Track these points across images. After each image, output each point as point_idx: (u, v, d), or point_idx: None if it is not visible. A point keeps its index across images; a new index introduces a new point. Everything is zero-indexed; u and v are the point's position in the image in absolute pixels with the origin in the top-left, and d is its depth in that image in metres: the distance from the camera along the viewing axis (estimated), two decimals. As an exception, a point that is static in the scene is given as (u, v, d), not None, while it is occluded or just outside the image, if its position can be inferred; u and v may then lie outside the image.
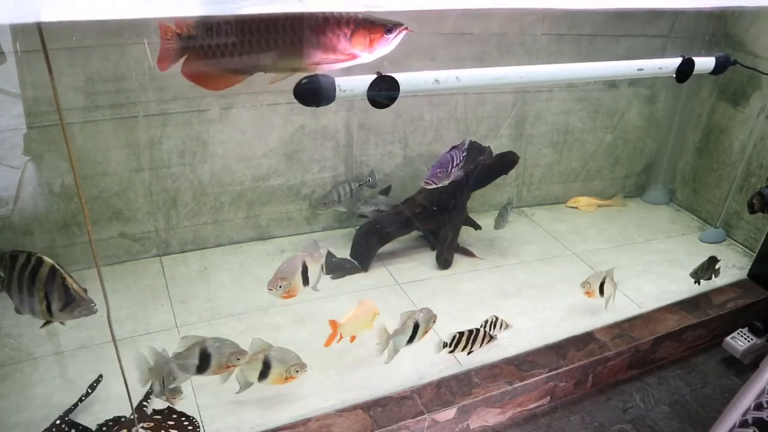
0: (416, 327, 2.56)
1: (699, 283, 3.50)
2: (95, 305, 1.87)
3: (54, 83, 1.68)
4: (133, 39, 2.89)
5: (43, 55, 1.53)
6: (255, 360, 2.35)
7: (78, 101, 2.96)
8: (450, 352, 2.70)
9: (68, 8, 1.67)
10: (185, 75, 1.80)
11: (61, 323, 2.08)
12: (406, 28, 1.88)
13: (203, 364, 2.22)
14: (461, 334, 2.68)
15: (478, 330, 2.72)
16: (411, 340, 2.58)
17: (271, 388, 2.60)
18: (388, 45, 1.88)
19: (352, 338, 2.72)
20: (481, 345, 2.75)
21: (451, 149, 3.11)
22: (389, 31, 1.86)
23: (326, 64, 1.85)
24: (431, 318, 2.61)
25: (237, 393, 2.40)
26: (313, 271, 2.42)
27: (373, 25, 1.83)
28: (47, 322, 1.99)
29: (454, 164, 3.05)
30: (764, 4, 3.48)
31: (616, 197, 4.48)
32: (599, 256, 3.90)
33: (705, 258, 3.51)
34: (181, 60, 1.78)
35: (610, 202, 4.46)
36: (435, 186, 3.02)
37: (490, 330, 2.80)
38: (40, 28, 1.52)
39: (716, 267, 3.52)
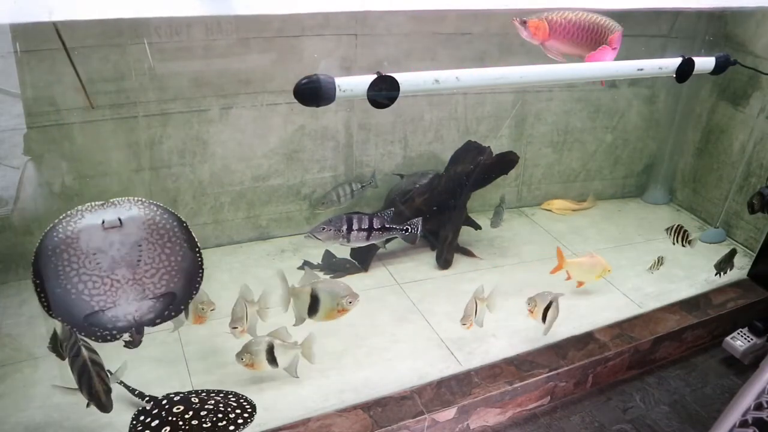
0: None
1: (720, 275, 3.54)
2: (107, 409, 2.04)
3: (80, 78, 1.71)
4: (133, 39, 2.89)
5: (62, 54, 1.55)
6: (303, 292, 2.26)
7: (78, 101, 2.95)
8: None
9: (67, 8, 1.68)
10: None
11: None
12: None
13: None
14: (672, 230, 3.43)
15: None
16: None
17: (271, 385, 2.61)
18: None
19: (580, 284, 3.06)
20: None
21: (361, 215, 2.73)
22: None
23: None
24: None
25: (294, 325, 2.42)
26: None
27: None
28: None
29: (360, 226, 2.64)
30: (764, 4, 3.48)
31: (589, 199, 4.47)
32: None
33: (702, 256, 3.52)
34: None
35: (585, 205, 4.45)
36: (317, 240, 2.67)
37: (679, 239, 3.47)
38: (56, 27, 1.54)
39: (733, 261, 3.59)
